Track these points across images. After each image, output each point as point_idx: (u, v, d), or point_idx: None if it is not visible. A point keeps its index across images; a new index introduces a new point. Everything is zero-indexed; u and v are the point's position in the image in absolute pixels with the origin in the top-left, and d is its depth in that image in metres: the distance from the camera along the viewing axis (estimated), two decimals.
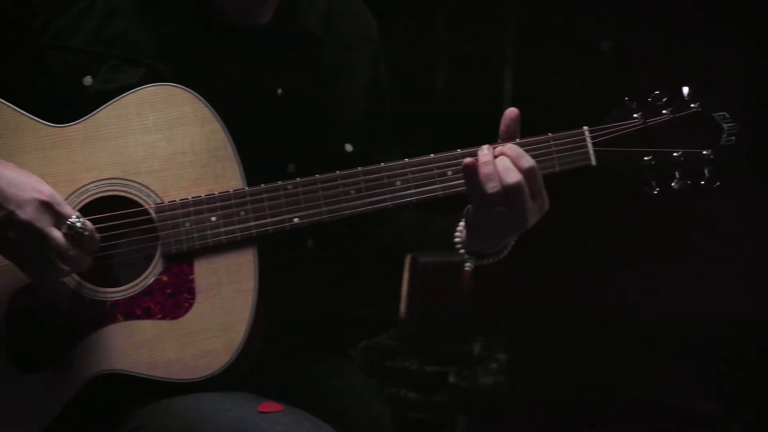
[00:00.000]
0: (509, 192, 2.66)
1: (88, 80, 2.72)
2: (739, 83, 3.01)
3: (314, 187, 2.70)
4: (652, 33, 4.04)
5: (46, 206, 2.55)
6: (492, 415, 2.12)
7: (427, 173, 2.75)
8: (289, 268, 2.91)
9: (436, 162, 2.75)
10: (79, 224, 2.52)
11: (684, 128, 2.81)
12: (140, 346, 2.62)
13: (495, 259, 2.82)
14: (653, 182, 2.80)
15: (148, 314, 2.61)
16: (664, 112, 2.79)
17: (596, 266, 4.24)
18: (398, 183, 2.72)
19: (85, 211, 2.68)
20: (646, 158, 2.76)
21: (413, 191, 2.74)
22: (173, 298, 2.63)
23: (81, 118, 2.75)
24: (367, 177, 2.72)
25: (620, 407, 4.09)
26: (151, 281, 2.64)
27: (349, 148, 2.98)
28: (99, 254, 2.66)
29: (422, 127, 3.69)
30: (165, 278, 2.63)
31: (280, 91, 2.85)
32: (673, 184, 2.80)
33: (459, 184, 2.75)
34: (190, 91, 2.70)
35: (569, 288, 4.02)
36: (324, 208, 2.71)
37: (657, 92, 2.83)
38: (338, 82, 3.00)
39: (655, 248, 4.25)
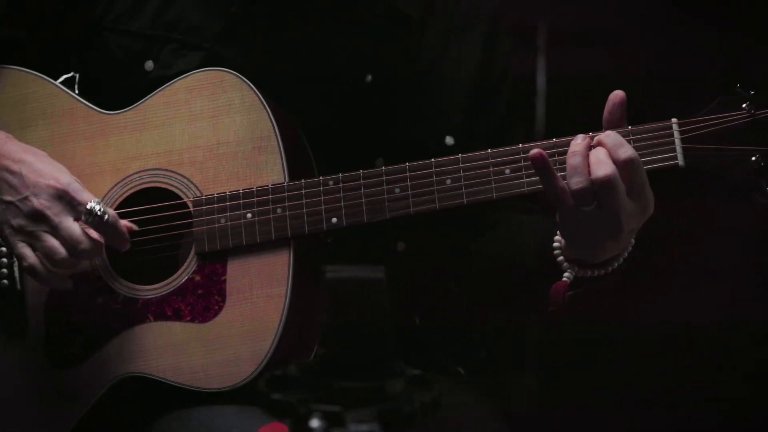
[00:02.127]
0: (598, 188, 2.16)
1: (149, 65, 2.46)
2: None
3: (356, 183, 2.30)
4: None
5: (62, 195, 2.35)
6: None
7: (482, 170, 2.27)
8: None
9: (492, 158, 2.24)
10: (98, 208, 2.30)
11: None
12: (167, 349, 2.35)
13: (601, 272, 2.31)
14: (766, 189, 2.14)
15: (178, 315, 2.33)
16: None
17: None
18: (448, 182, 2.26)
19: (128, 202, 2.47)
20: (753, 158, 2.12)
21: (464, 191, 2.24)
22: (204, 300, 2.32)
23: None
24: (414, 173, 2.27)
25: None
26: (184, 280, 2.35)
27: (450, 141, 2.56)
28: (134, 249, 2.36)
29: None
30: (197, 278, 2.33)
31: (369, 77, 2.44)
32: None
33: (518, 184, 2.24)
34: (240, 76, 2.37)
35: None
36: (365, 208, 2.28)
37: None
38: (439, 67, 2.59)
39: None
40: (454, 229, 2.58)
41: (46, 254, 2.33)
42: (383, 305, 1.76)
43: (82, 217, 2.34)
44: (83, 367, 2.43)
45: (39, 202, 2.33)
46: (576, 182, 2.16)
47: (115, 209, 2.44)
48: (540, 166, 2.16)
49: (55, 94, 2.51)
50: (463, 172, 2.30)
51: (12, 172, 2.35)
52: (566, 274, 2.29)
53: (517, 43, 2.72)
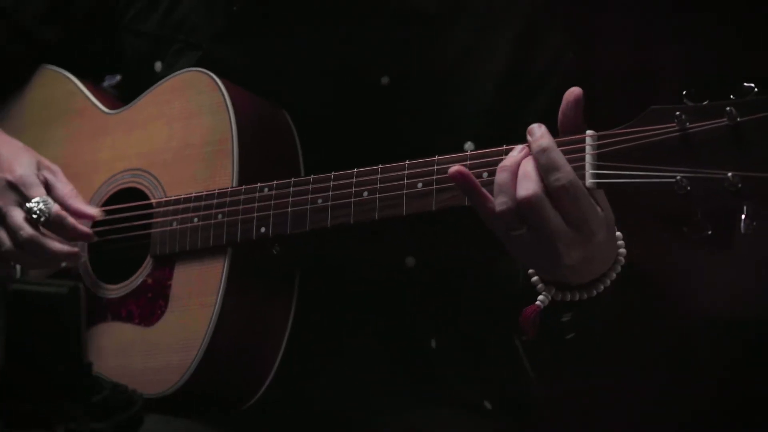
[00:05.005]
0: (522, 210, 1.76)
1: (158, 66, 2.32)
2: None
3: (286, 191, 2.00)
4: None
5: (13, 187, 2.22)
6: None
7: (396, 183, 1.89)
8: (382, 294, 2.17)
9: (409, 169, 1.88)
10: (36, 208, 2.17)
11: (751, 140, 1.63)
12: (117, 351, 2.20)
13: (584, 296, 1.89)
14: (702, 220, 1.65)
15: (129, 317, 2.17)
16: (727, 110, 1.64)
17: None
18: (365, 194, 1.92)
19: (113, 200, 2.32)
20: (679, 177, 1.64)
21: (377, 205, 1.90)
22: (151, 304, 2.15)
23: None
24: (337, 183, 1.94)
25: None
26: (138, 282, 2.17)
27: (469, 146, 2.15)
28: (105, 248, 2.22)
29: None
30: (149, 281, 2.15)
31: (386, 79, 2.11)
32: (742, 225, 1.64)
33: (427, 203, 1.85)
34: (213, 77, 2.18)
35: None
36: (290, 218, 1.99)
37: (748, 85, 1.68)
38: (463, 68, 2.23)
39: None
40: (473, 242, 2.17)
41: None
42: (71, 323, 1.47)
43: (25, 213, 2.17)
44: None
45: None
46: (500, 203, 1.78)
47: (101, 206, 2.25)
48: (462, 185, 1.80)
49: (74, 93, 2.42)
50: (380, 184, 1.91)
51: None
52: (540, 297, 1.90)
53: (573, 43, 2.24)
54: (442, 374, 2.29)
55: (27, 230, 2.20)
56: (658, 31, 2.94)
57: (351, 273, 2.22)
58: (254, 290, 2.14)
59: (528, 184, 1.75)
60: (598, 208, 1.78)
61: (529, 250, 1.81)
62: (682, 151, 1.71)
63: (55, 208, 2.20)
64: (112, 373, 2.10)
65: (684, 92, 1.74)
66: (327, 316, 2.24)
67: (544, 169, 1.76)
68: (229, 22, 2.29)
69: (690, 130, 1.71)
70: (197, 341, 2.11)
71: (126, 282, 2.25)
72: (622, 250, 1.90)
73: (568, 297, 1.89)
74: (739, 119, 1.68)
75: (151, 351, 2.18)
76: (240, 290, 2.13)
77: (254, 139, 2.18)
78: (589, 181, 1.76)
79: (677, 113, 1.72)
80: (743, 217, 1.68)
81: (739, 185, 1.67)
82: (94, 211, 2.24)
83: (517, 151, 1.80)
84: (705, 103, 1.74)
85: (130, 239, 2.26)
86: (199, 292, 2.14)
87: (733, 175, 1.67)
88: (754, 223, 1.66)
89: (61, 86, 2.46)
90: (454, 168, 1.80)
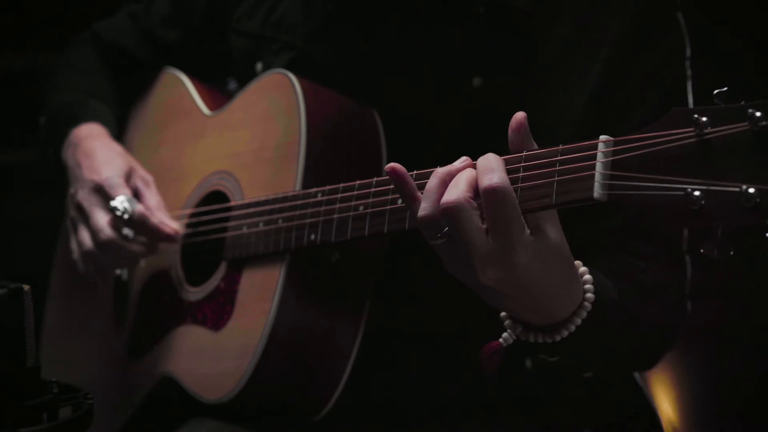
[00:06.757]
0: (442, 216, 1.60)
1: (259, 67, 2.25)
2: None
3: (335, 196, 1.91)
4: None
5: (99, 188, 2.20)
6: None
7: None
8: (468, 301, 2.06)
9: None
10: (119, 207, 2.15)
11: None
12: (191, 354, 2.17)
13: (548, 340, 1.71)
14: (722, 238, 1.46)
15: (204, 321, 2.14)
16: (749, 112, 1.44)
17: None
18: (400, 201, 1.79)
19: (204, 203, 2.26)
20: (689, 190, 1.46)
21: (408, 214, 1.78)
22: (221, 308, 2.11)
23: None
24: (378, 189, 1.83)
25: None
26: (213, 286, 2.13)
27: None
28: (192, 250, 2.18)
29: None
30: (222, 285, 2.10)
31: (478, 81, 2.00)
32: None
33: None
34: (291, 78, 2.10)
35: None
36: (335, 225, 1.90)
37: None
38: (560, 69, 2.03)
39: None
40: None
41: (78, 244, 2.16)
42: (14, 324, 1.44)
43: (110, 214, 2.15)
44: (144, 360, 2.25)
45: (80, 195, 2.23)
46: (422, 208, 1.62)
47: (195, 207, 2.24)
48: (397, 183, 1.66)
49: (183, 95, 2.38)
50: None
51: (79, 166, 2.24)
52: (504, 335, 1.71)
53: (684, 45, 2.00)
54: (534, 395, 2.08)
55: (107, 232, 2.17)
56: None
57: (427, 281, 2.05)
58: (316, 298, 2.02)
59: (453, 192, 1.58)
60: (527, 230, 1.58)
61: (450, 261, 1.62)
62: (697, 159, 1.45)
63: (139, 207, 2.16)
64: (186, 375, 2.06)
65: (715, 92, 1.47)
66: (406, 327, 2.09)
67: (480, 170, 1.58)
68: (324, 22, 2.16)
69: (707, 136, 1.44)
70: (252, 348, 2.01)
71: (204, 285, 2.18)
72: (589, 295, 1.68)
73: (531, 338, 1.70)
74: (763, 123, 1.40)
75: (217, 355, 2.10)
76: (298, 297, 2.01)
77: (328, 142, 2.05)
78: (597, 192, 1.52)
79: (695, 116, 1.46)
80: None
81: (758, 200, 1.39)
82: (174, 226, 2.17)
83: (460, 161, 1.63)
84: (737, 104, 1.46)
85: (211, 242, 2.18)
86: (259, 298, 2.04)
87: (748, 189, 1.39)
88: None
89: (176, 88, 2.42)
90: (390, 165, 1.63)
